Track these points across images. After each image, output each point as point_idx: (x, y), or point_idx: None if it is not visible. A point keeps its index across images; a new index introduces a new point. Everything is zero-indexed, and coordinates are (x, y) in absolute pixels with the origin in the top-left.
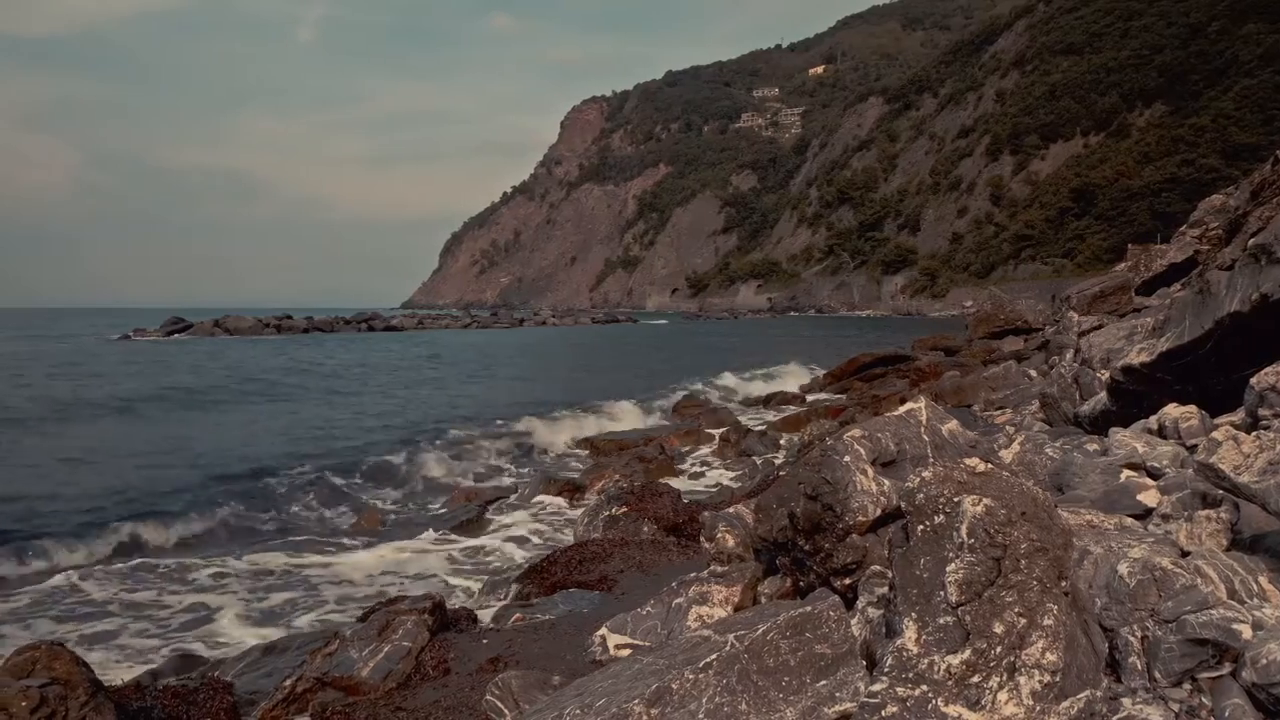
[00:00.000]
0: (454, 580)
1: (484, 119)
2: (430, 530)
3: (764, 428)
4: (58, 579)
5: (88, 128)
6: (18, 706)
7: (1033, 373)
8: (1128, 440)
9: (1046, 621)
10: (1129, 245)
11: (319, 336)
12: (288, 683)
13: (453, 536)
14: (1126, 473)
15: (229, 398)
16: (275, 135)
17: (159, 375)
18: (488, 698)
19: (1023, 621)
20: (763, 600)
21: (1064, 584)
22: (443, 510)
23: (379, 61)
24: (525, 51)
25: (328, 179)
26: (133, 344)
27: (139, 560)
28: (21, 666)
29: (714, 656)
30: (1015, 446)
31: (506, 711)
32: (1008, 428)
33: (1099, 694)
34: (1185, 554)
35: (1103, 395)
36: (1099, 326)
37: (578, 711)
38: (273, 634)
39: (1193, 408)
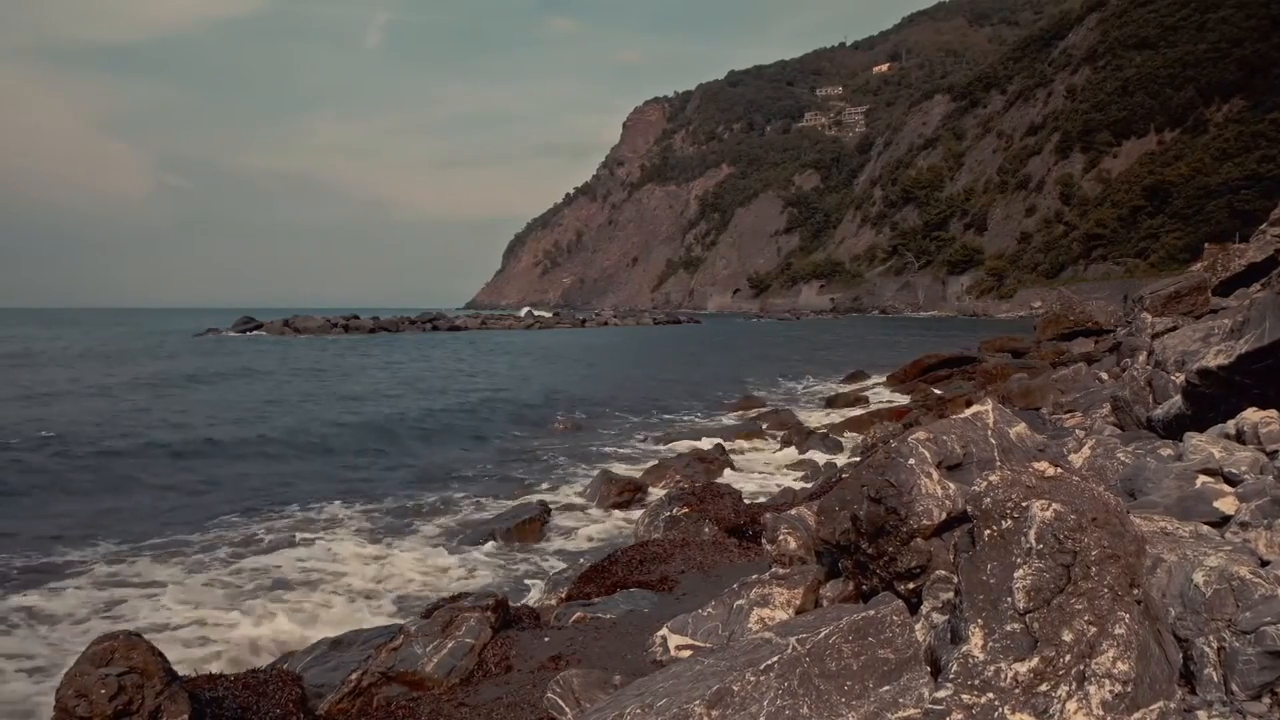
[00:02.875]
0: (516, 578)
1: (546, 121)
2: (492, 528)
3: (826, 429)
4: (141, 570)
5: (162, 132)
6: (97, 694)
7: (1104, 375)
8: (1204, 445)
9: (1118, 630)
10: (1206, 244)
11: (387, 336)
12: (354, 676)
13: (514, 535)
14: (1202, 479)
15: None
16: (343, 139)
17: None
18: (549, 695)
19: (1093, 630)
20: (825, 603)
21: (1136, 592)
22: (505, 509)
23: (444, 66)
24: (586, 53)
25: (392, 182)
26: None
27: (217, 552)
28: (100, 655)
29: (775, 659)
30: (1086, 450)
31: (568, 709)
32: (1078, 431)
33: (1173, 705)
34: (1265, 563)
35: (1177, 399)
36: (1174, 328)
37: (638, 711)
38: (339, 628)
39: (1273, 412)
